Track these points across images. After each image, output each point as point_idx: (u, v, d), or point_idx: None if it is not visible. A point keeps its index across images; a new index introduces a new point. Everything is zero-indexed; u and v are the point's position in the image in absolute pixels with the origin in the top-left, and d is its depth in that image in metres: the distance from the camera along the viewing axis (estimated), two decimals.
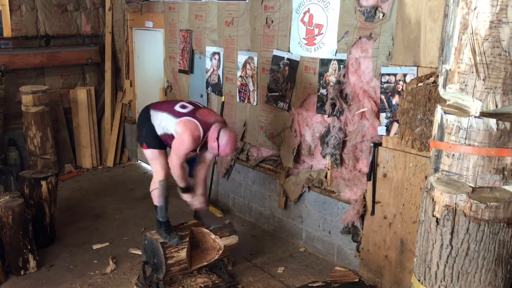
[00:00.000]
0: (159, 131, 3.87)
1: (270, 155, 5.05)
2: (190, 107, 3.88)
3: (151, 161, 3.98)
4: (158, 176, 3.93)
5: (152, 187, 4.00)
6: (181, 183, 3.93)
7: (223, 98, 5.38)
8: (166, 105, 3.96)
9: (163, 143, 3.92)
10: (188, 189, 4.00)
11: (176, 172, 3.84)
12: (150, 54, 6.72)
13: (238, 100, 5.26)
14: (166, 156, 3.94)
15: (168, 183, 3.97)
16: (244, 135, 5.28)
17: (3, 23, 6.34)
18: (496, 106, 2.06)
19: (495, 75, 2.03)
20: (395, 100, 3.72)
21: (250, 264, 4.47)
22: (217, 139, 3.72)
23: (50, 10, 6.69)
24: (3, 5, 6.30)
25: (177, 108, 3.85)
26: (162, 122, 3.85)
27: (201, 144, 3.82)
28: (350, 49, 4.02)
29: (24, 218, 4.19)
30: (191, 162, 4.19)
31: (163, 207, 3.92)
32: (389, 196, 3.83)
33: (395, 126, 3.73)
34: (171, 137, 3.80)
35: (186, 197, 4.03)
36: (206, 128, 3.76)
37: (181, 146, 3.72)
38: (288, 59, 4.60)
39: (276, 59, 4.71)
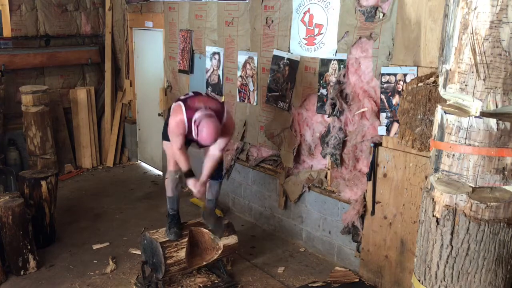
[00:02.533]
0: None
1: (270, 155, 5.05)
2: (190, 94, 3.98)
3: (166, 151, 4.09)
4: (169, 165, 4.04)
5: (166, 175, 4.14)
6: (183, 167, 3.88)
7: (223, 98, 5.38)
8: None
9: None
10: (191, 173, 3.90)
11: (175, 155, 3.86)
12: (150, 54, 6.72)
13: (238, 100, 5.26)
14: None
15: (177, 175, 4.03)
16: (244, 135, 5.28)
17: (3, 23, 6.34)
18: (496, 106, 2.06)
19: (495, 75, 2.03)
20: (395, 100, 3.72)
21: (249, 264, 4.47)
22: (198, 127, 3.65)
23: (50, 10, 6.69)
24: (3, 5, 6.30)
25: (181, 96, 4.00)
26: None
27: (194, 133, 3.72)
28: (350, 49, 4.02)
29: (24, 218, 4.19)
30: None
31: (171, 198, 4.05)
32: (389, 196, 3.83)
33: (395, 126, 3.73)
34: None
35: (189, 182, 3.92)
36: (191, 112, 3.70)
37: (170, 129, 3.80)
38: (288, 59, 4.59)
39: (276, 59, 4.70)
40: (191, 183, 3.89)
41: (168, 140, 3.97)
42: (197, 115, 3.63)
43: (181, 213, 4.18)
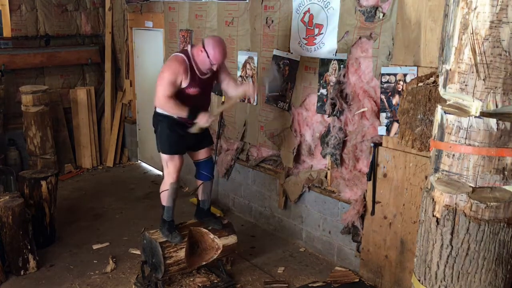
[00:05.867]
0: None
1: (270, 155, 5.05)
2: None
3: (165, 163, 3.95)
4: (170, 178, 3.94)
5: (162, 188, 4.02)
6: (182, 113, 3.65)
7: (223, 98, 5.36)
8: None
9: (177, 147, 3.89)
10: (196, 111, 3.67)
11: (165, 105, 3.64)
12: (150, 54, 6.71)
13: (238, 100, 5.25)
14: (180, 159, 3.94)
15: (178, 186, 4.01)
16: (244, 135, 5.28)
17: (3, 23, 6.35)
18: (497, 106, 2.06)
19: (495, 75, 2.03)
20: (395, 100, 3.72)
21: (249, 264, 4.47)
22: (204, 49, 3.61)
23: (50, 10, 6.69)
24: (3, 5, 6.30)
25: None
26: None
27: (202, 61, 3.67)
28: (350, 49, 4.02)
29: (24, 218, 4.19)
30: (199, 165, 4.19)
31: (171, 208, 3.98)
32: (389, 196, 3.83)
33: (395, 126, 3.73)
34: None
35: (202, 120, 3.70)
36: (186, 52, 3.72)
37: (164, 73, 3.63)
38: (288, 59, 4.59)
39: (276, 59, 4.70)
40: (202, 119, 3.69)
41: (168, 153, 3.87)
42: (195, 47, 3.70)
43: (181, 213, 4.18)
